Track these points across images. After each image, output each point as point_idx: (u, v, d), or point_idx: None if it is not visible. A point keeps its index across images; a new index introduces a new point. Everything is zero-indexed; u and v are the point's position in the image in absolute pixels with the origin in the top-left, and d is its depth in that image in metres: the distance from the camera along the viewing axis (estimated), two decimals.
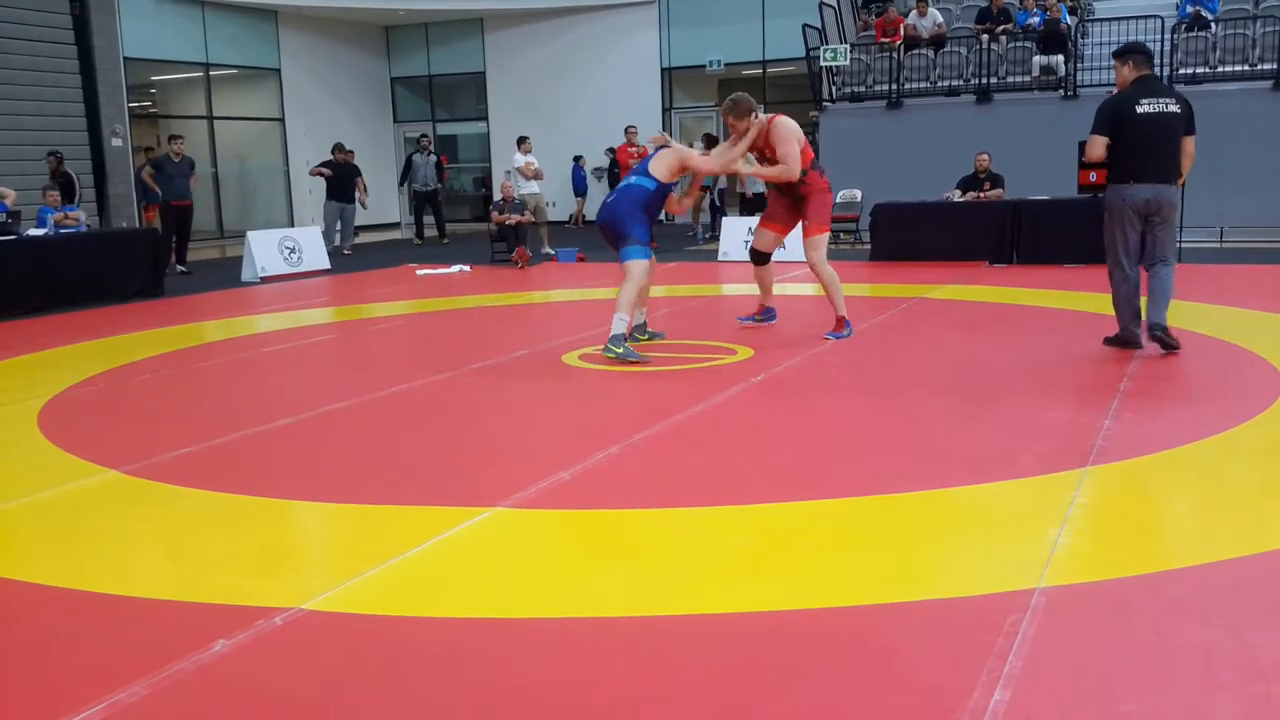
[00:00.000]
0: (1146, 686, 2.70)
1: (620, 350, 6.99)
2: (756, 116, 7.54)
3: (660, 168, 7.33)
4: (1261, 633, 2.96)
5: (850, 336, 7.66)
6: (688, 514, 4.13)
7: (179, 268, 14.42)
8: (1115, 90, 6.94)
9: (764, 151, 7.64)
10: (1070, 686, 2.71)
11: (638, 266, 7.21)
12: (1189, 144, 6.64)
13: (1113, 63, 7.02)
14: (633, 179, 7.41)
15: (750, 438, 5.31)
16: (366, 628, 3.20)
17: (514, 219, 14.34)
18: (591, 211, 21.46)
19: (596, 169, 21.42)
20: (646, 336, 7.75)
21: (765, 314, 8.29)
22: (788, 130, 7.53)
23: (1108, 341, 7.03)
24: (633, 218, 7.25)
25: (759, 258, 8.11)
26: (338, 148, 17.08)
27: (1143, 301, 6.74)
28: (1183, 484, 4.44)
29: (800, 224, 7.79)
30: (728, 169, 7.83)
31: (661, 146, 7.53)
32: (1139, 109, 6.55)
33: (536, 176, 15.89)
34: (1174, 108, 6.59)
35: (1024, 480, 4.37)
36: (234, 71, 20.70)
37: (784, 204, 7.84)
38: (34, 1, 16.07)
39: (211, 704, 2.76)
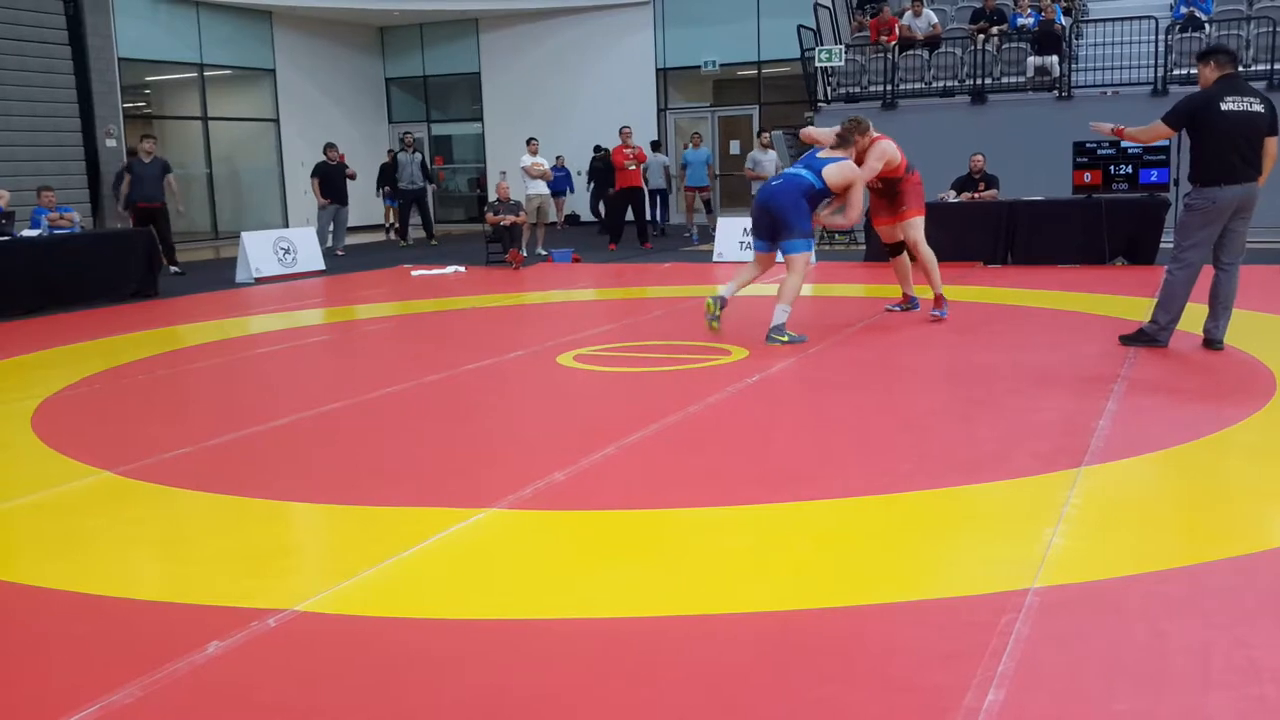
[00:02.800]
0: (1142, 687, 2.70)
1: (785, 339, 7.39)
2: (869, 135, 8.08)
3: (836, 176, 7.56)
4: (1258, 633, 2.96)
5: (946, 317, 8.29)
6: (682, 515, 4.13)
7: (171, 269, 14.39)
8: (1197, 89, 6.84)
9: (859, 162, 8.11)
10: (1065, 687, 2.71)
11: (802, 259, 7.56)
12: (1270, 145, 6.58)
13: (1195, 65, 6.99)
14: (802, 170, 7.63)
15: (745, 438, 5.31)
16: (361, 629, 3.20)
17: (509, 219, 14.35)
18: (580, 210, 21.52)
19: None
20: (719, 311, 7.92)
21: (909, 303, 8.77)
22: (880, 150, 8.00)
23: (1126, 340, 7.01)
24: (797, 209, 7.50)
25: (891, 250, 8.66)
26: (330, 147, 16.94)
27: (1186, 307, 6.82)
28: (1178, 484, 4.44)
29: (898, 210, 8.44)
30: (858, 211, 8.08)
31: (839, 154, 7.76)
32: (1223, 106, 6.48)
33: (544, 177, 15.94)
34: (1258, 107, 6.53)
35: (1019, 480, 4.37)
36: (228, 72, 20.68)
37: (884, 201, 8.44)
38: (28, 2, 16.05)
39: (205, 706, 2.75)
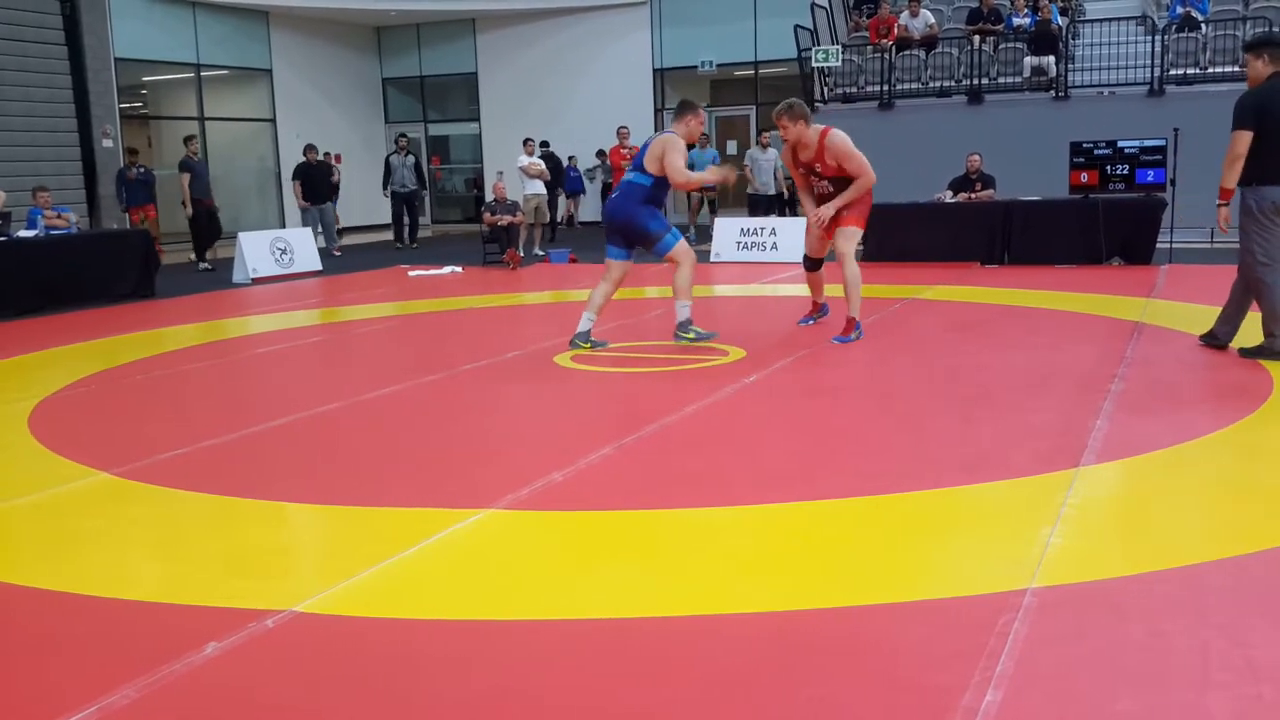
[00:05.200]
0: (1139, 686, 2.71)
1: (691, 335, 7.35)
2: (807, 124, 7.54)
3: (650, 160, 7.28)
4: (1255, 632, 2.96)
5: (858, 340, 7.54)
6: (681, 515, 4.13)
7: (201, 264, 14.97)
8: (1248, 85, 6.56)
9: (813, 165, 7.60)
10: (1063, 687, 2.71)
11: (679, 251, 7.38)
12: None
13: (1243, 56, 6.70)
14: (631, 175, 7.43)
15: (743, 439, 5.31)
16: (359, 630, 3.20)
17: (506, 219, 14.35)
18: (584, 212, 21.52)
19: (589, 170, 21.42)
20: (588, 345, 7.59)
21: (820, 311, 8.33)
22: (846, 141, 7.48)
23: (1246, 352, 6.55)
24: (639, 216, 7.33)
25: (812, 264, 8.14)
26: (309, 148, 16.95)
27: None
28: (1174, 484, 4.44)
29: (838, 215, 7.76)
30: (689, 184, 7.73)
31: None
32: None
33: (541, 176, 15.94)
34: None
35: (1016, 480, 4.37)
36: (225, 72, 20.65)
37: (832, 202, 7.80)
38: (24, 1, 16.02)
39: (203, 707, 2.75)
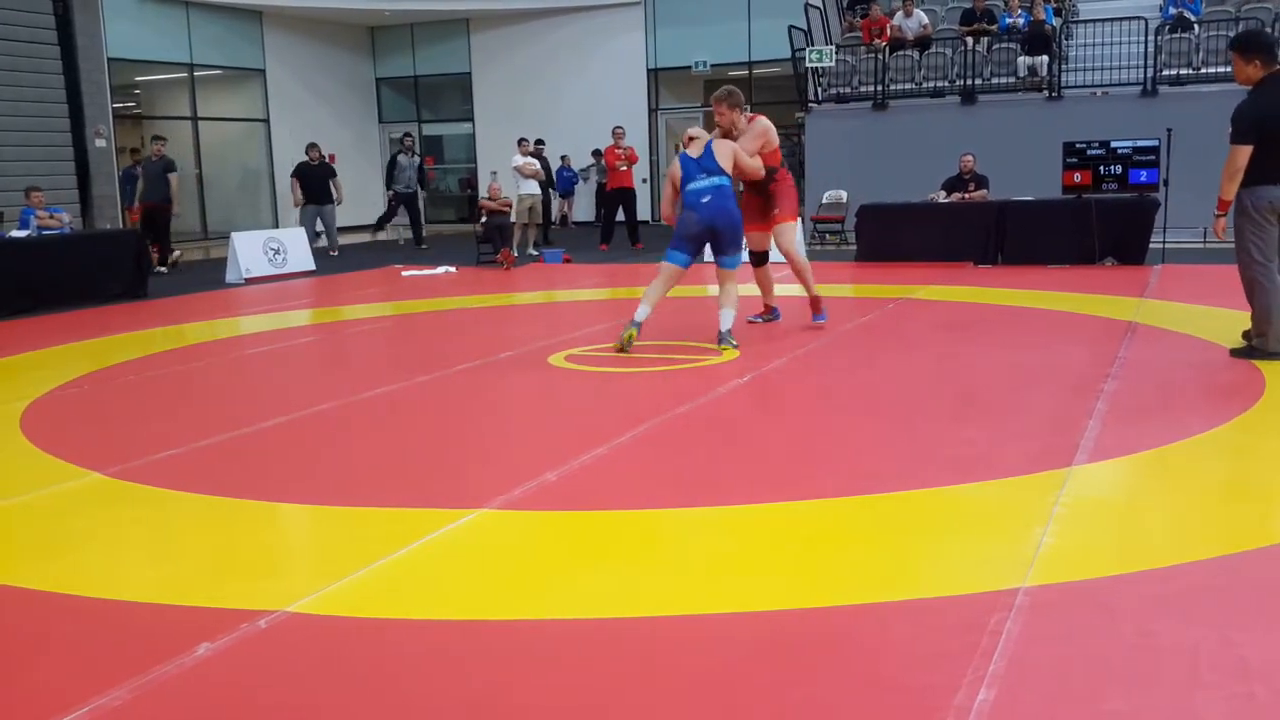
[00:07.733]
0: (1131, 686, 2.71)
1: (734, 343, 7.24)
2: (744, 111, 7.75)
3: (727, 161, 7.29)
4: (1246, 631, 2.97)
5: (826, 321, 7.99)
6: (673, 515, 4.13)
7: (158, 268, 14.60)
8: (1242, 86, 6.50)
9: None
10: (1055, 686, 2.71)
11: (738, 273, 7.44)
12: None
13: (1230, 55, 6.58)
14: (718, 180, 7.23)
15: (736, 438, 5.31)
16: (351, 630, 3.19)
17: (501, 203, 14.56)
18: (577, 213, 21.53)
19: (583, 170, 21.43)
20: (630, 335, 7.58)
21: (771, 313, 8.42)
22: (760, 128, 7.68)
23: (1236, 353, 6.57)
24: (740, 221, 7.42)
25: (756, 259, 8.27)
26: (311, 147, 16.88)
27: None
28: (1166, 484, 4.45)
29: (769, 215, 7.98)
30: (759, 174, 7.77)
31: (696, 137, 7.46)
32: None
33: (536, 176, 15.94)
34: None
35: (1008, 480, 4.38)
36: (218, 72, 20.63)
37: (756, 203, 8.00)
38: (17, 1, 15.98)
39: (195, 708, 2.75)
